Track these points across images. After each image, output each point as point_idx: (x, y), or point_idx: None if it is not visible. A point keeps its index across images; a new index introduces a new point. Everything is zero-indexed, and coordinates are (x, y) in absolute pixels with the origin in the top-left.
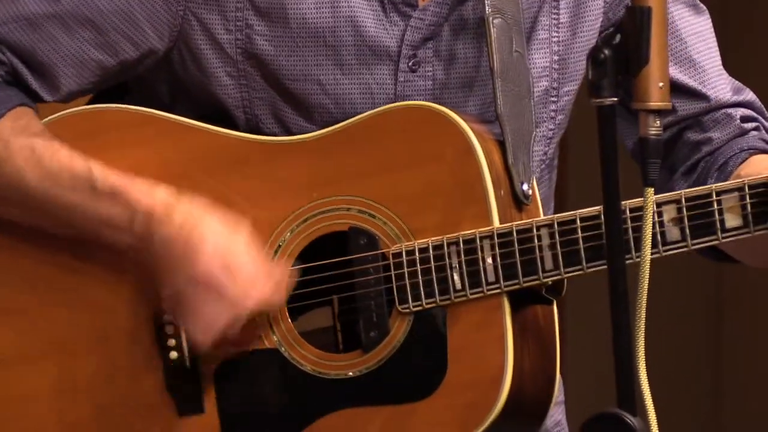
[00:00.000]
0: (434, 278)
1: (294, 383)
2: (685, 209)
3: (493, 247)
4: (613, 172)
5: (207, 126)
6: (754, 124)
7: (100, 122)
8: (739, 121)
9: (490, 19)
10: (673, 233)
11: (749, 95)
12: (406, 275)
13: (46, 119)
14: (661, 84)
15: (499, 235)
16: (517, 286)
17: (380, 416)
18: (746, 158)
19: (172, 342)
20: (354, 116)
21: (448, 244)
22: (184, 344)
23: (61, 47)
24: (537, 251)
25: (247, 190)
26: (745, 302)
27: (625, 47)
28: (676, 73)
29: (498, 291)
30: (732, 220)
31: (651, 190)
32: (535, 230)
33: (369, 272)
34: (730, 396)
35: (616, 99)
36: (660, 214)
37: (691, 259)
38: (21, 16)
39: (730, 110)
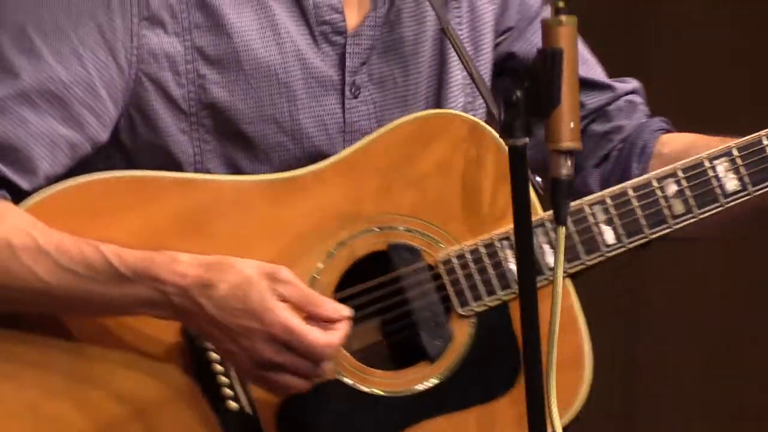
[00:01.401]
0: (492, 275)
1: (369, 409)
2: (684, 181)
3: (546, 234)
4: (526, 209)
5: (197, 176)
6: (648, 108)
7: (87, 195)
8: (641, 105)
9: (449, 28)
10: (678, 207)
11: (635, 82)
12: (462, 278)
13: (30, 202)
14: (572, 124)
15: (552, 221)
16: (582, 266)
17: (472, 418)
18: (659, 138)
19: (227, 392)
20: (311, 150)
21: (500, 240)
22: (239, 390)
23: (31, 127)
24: (595, 228)
25: (263, 229)
26: (661, 316)
27: (536, 89)
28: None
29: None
30: (730, 185)
31: (563, 229)
32: (588, 209)
33: (421, 284)
34: (644, 411)
35: (527, 139)
36: (662, 189)
37: (607, 271)
38: None
39: (630, 97)
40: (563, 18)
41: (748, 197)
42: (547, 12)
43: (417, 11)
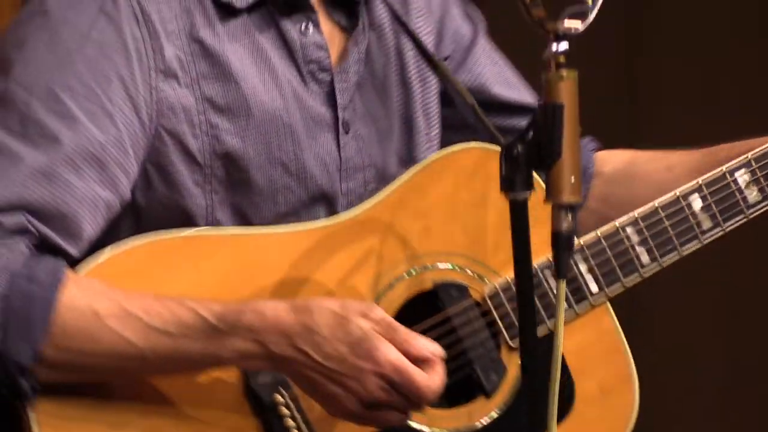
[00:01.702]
0: (540, 306)
1: None
2: (709, 196)
3: (586, 259)
4: (527, 261)
5: (239, 230)
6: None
7: (137, 259)
8: None
9: (440, 61)
10: (706, 223)
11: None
12: (511, 311)
13: (86, 269)
14: (572, 179)
15: (589, 246)
16: (621, 289)
17: None
18: (595, 157)
19: None
20: (314, 190)
21: (542, 270)
22: None
23: (76, 192)
24: (631, 251)
25: (309, 279)
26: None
27: (537, 143)
28: (513, 94)
29: (603, 299)
30: (752, 196)
31: (564, 284)
32: (621, 231)
33: (471, 321)
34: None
35: (529, 193)
36: (689, 207)
37: None
38: (35, 170)
39: None
40: (564, 73)
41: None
42: (482, 42)
43: (381, 44)
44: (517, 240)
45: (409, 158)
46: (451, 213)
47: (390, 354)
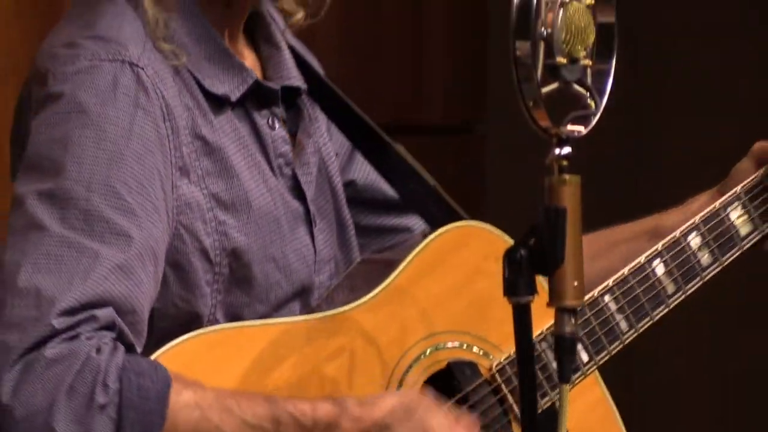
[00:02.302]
0: (542, 378)
1: None
2: (706, 232)
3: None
4: (530, 364)
5: (267, 322)
6: None
7: (184, 356)
8: None
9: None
10: (705, 258)
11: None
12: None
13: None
14: (575, 283)
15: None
16: (607, 357)
17: None
18: None
19: None
20: (297, 285)
21: (539, 341)
22: None
23: (143, 288)
24: (611, 319)
25: (321, 371)
26: None
27: (540, 247)
28: (393, 192)
29: (593, 367)
30: (744, 228)
31: (567, 387)
32: (600, 299)
33: (486, 398)
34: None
35: (532, 297)
36: (689, 246)
37: None
38: (115, 266)
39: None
40: (567, 177)
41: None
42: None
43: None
44: (521, 342)
45: (348, 251)
46: (453, 290)
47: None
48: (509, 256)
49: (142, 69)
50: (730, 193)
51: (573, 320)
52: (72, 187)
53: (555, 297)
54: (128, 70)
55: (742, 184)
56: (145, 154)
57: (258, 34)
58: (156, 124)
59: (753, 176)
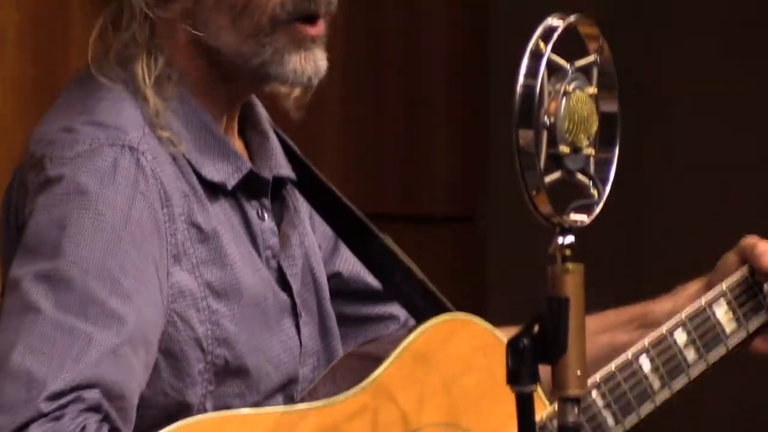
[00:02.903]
0: None
1: None
2: (692, 329)
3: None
4: None
5: (262, 410)
6: None
7: None
8: None
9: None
10: (691, 355)
11: None
12: None
13: None
14: (578, 371)
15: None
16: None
17: None
18: None
19: None
20: (285, 376)
21: (540, 429)
22: None
23: (134, 374)
24: (599, 416)
25: None
26: None
27: (543, 336)
28: (376, 282)
29: None
30: (729, 326)
31: None
32: (587, 394)
33: None
34: None
35: (534, 386)
36: (676, 343)
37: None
38: (107, 350)
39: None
40: (569, 266)
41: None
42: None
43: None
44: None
45: (330, 343)
46: (441, 385)
47: None
48: (512, 345)
49: (142, 154)
50: (715, 289)
51: (576, 410)
52: (68, 268)
53: (558, 386)
54: (128, 155)
55: (726, 281)
56: (142, 240)
57: (245, 121)
58: (154, 210)
59: (737, 273)
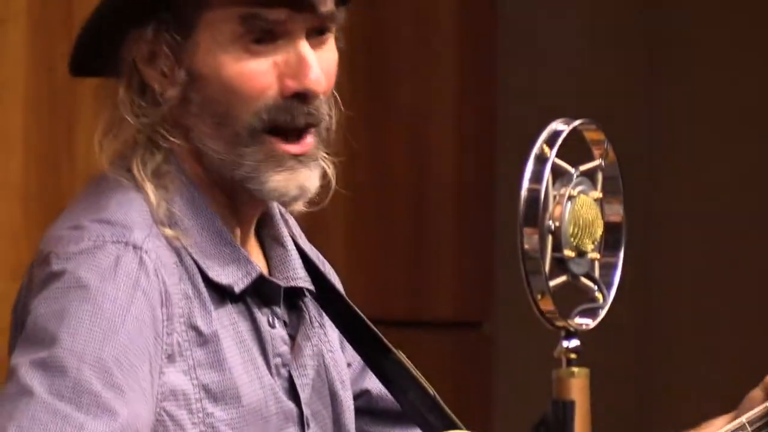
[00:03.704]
0: None
1: None
2: None
3: None
4: None
5: None
6: None
7: None
8: None
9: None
10: None
11: None
12: None
13: None
14: None
15: None
16: None
17: None
18: None
19: None
20: None
21: None
22: None
23: None
24: None
25: None
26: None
27: None
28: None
29: None
30: None
31: None
32: None
33: None
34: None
35: None
36: None
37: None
38: None
39: None
40: (575, 370)
41: None
42: None
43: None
44: None
45: None
46: None
47: None
48: None
49: (146, 253)
50: (735, 423)
51: None
52: (64, 356)
53: None
54: (131, 253)
55: (747, 415)
56: (139, 336)
57: (265, 233)
58: (153, 308)
59: (760, 407)
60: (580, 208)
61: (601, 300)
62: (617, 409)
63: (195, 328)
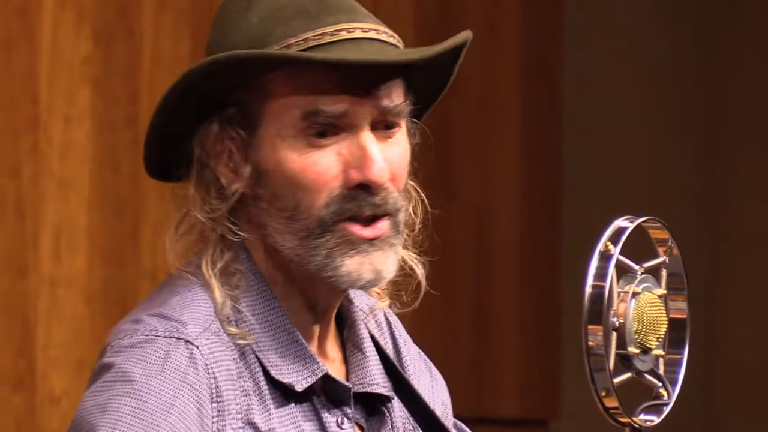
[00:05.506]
0: None
1: None
2: None
3: None
4: None
5: None
6: None
7: None
8: None
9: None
10: None
11: None
12: None
13: None
14: None
15: None
16: None
17: None
18: None
19: None
20: None
21: None
22: None
23: None
24: None
25: None
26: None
27: None
28: None
29: None
30: None
31: None
32: None
33: None
34: None
35: None
36: None
37: None
38: None
39: None
40: None
41: None
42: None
43: None
44: None
45: None
46: None
47: None
48: None
49: (197, 348)
50: None
51: None
52: None
53: None
54: (182, 347)
55: None
56: (182, 430)
57: (346, 336)
58: (200, 403)
59: None
60: (644, 305)
61: (665, 397)
62: None
63: (252, 424)
